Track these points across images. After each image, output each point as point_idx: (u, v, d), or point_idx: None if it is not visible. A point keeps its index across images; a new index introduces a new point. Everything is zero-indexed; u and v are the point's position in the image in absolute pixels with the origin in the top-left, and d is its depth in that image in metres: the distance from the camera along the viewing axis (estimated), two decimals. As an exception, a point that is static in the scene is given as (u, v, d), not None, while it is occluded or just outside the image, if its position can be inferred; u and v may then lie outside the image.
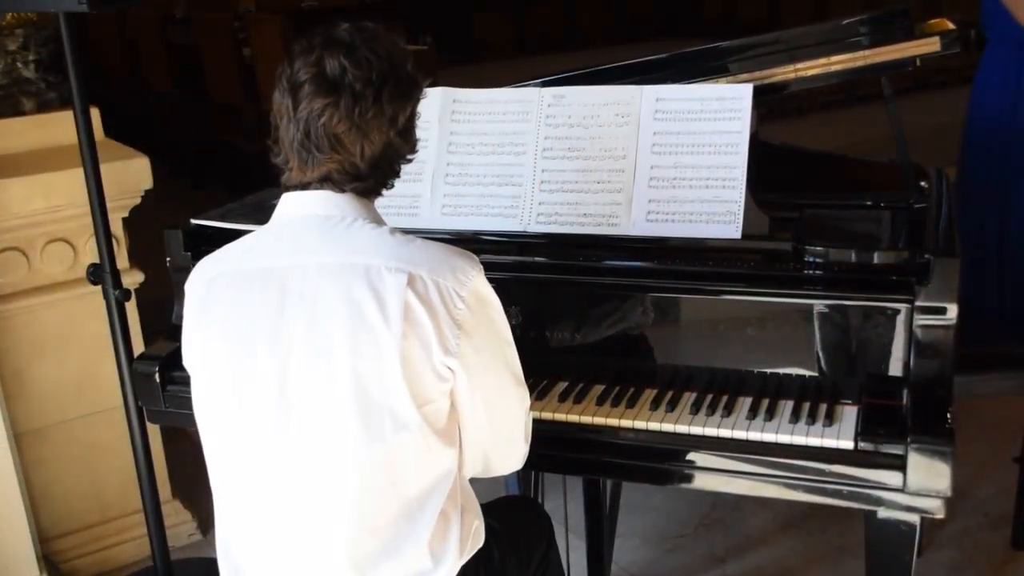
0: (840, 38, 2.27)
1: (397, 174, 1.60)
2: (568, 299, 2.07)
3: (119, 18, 8.18)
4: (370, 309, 1.41)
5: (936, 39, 2.11)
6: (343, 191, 1.51)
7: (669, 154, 2.06)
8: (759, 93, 2.16)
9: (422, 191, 2.22)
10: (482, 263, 1.55)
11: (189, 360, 1.57)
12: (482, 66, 10.87)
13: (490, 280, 1.54)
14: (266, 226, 1.57)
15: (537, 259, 2.10)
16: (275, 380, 1.46)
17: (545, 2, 12.96)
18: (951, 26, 2.19)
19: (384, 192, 1.60)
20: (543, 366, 2.05)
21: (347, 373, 1.42)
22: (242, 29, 7.03)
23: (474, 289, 1.48)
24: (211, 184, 7.27)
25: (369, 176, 1.53)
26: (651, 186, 2.06)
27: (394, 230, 1.52)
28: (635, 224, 2.05)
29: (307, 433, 1.46)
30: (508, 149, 2.19)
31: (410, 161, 1.62)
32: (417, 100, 1.59)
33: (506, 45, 12.29)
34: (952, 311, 1.77)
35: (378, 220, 1.55)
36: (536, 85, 2.39)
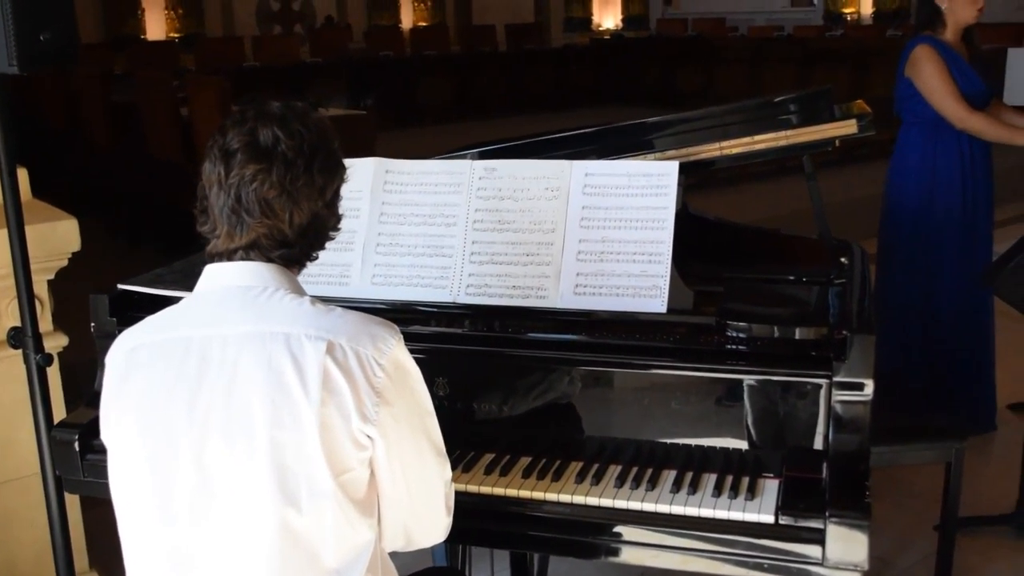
0: (764, 117, 2.34)
1: (322, 246, 1.62)
2: (496, 371, 2.08)
3: (62, 74, 8.13)
4: (289, 377, 1.42)
5: (853, 122, 2.19)
6: (269, 259, 1.52)
7: (597, 228, 2.09)
8: (688, 168, 2.21)
9: (353, 260, 2.23)
10: (411, 334, 1.56)
11: (106, 434, 1.54)
12: (424, 129, 10.95)
13: (418, 351, 1.55)
14: (188, 297, 1.57)
15: (466, 330, 2.11)
16: (192, 452, 1.44)
17: (489, 68, 13.13)
18: (868, 109, 2.27)
19: (308, 264, 1.61)
20: (470, 438, 2.05)
21: (265, 442, 1.42)
22: (181, 88, 7.04)
23: (394, 358, 1.49)
24: (149, 242, 7.19)
25: (295, 244, 1.54)
26: (579, 259, 2.09)
27: (314, 300, 1.53)
28: (563, 297, 2.07)
29: (224, 505, 1.45)
30: (439, 220, 2.21)
31: (333, 238, 1.63)
32: (342, 178, 1.62)
33: (449, 109, 12.41)
34: (869, 387, 1.81)
35: (299, 291, 1.56)
36: (473, 153, 2.43)
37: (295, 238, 1.53)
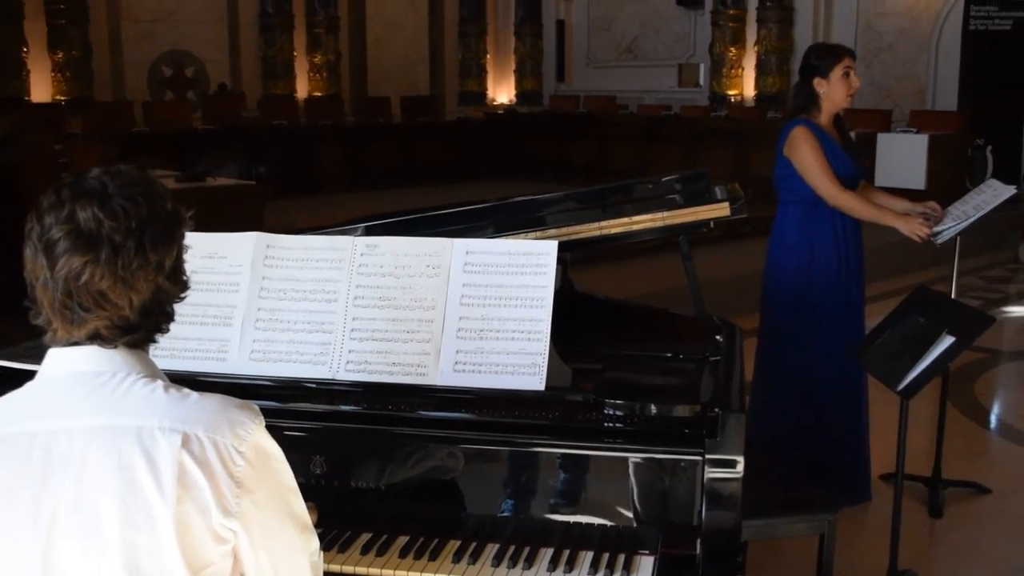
0: (643, 198, 2.42)
1: (171, 317, 1.50)
2: (374, 448, 2.06)
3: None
4: (142, 475, 1.34)
5: (726, 204, 2.27)
6: (114, 346, 1.42)
7: (477, 306, 2.11)
8: (571, 246, 2.26)
9: (231, 335, 2.19)
10: (288, 411, 1.51)
11: None
12: (318, 199, 10.89)
13: (296, 429, 1.51)
14: (31, 384, 1.45)
15: (344, 408, 2.09)
16: (40, 556, 1.35)
17: (384, 139, 13.19)
18: (741, 193, 2.36)
19: (158, 338, 1.50)
20: (346, 517, 2.02)
21: (117, 545, 1.33)
22: (65, 152, 6.88)
23: (254, 443, 1.43)
24: (24, 311, 6.92)
25: (141, 326, 1.44)
26: (459, 337, 2.10)
27: (168, 385, 1.43)
28: (442, 374, 2.08)
29: None
30: (320, 296, 2.20)
31: (183, 299, 1.52)
32: (182, 237, 1.50)
33: (343, 179, 12.39)
34: (740, 464, 1.86)
35: (153, 373, 1.46)
36: (359, 227, 2.43)
37: (138, 320, 1.42)
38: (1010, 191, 3.88)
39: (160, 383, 1.43)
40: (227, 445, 1.39)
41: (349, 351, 2.14)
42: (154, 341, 1.49)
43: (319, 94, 15.10)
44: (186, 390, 1.43)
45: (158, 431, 1.36)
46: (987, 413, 5.30)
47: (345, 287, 2.19)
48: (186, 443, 1.36)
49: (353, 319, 2.16)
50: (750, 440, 3.78)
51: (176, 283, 1.48)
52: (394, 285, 2.17)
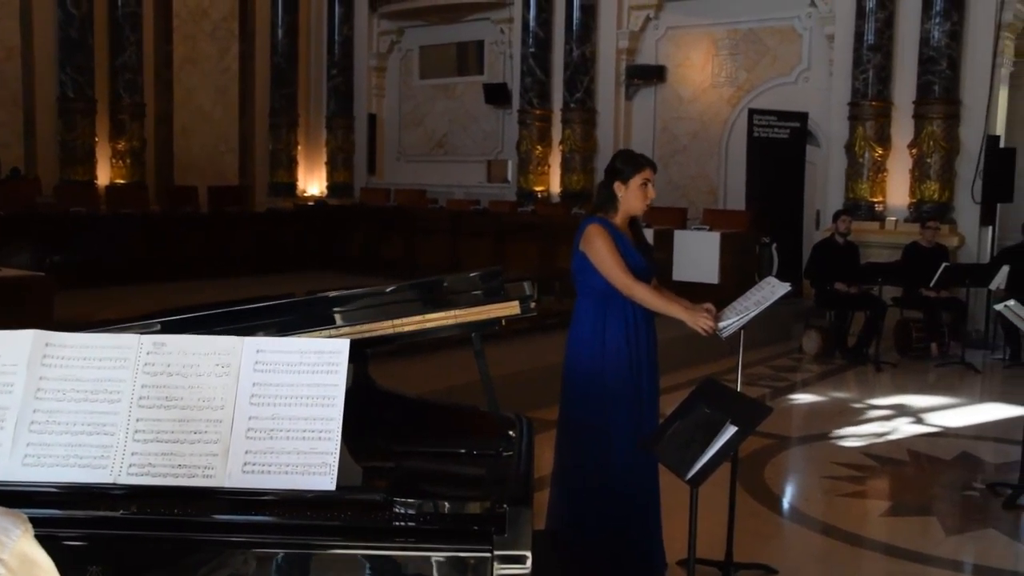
0: (438, 295, 2.46)
1: None
2: (156, 555, 1.98)
3: None
4: None
5: (516, 303, 2.35)
6: None
7: (267, 405, 2.09)
8: (367, 343, 2.27)
9: (3, 439, 2.08)
10: (64, 519, 1.44)
11: None
12: (118, 290, 10.46)
13: (73, 537, 1.43)
14: None
15: (124, 513, 2.00)
16: None
17: (190, 229, 12.87)
18: (530, 291, 2.45)
19: None
20: (125, 630, 1.92)
21: None
22: None
23: (19, 551, 1.36)
24: None
25: None
26: (248, 437, 2.06)
27: None
28: (231, 476, 2.03)
29: None
30: (103, 396, 2.12)
31: None
32: None
33: (147, 270, 11.95)
34: (528, 560, 1.89)
35: None
36: (156, 321, 2.37)
37: None
38: (786, 287, 4.17)
39: None
40: None
41: (132, 453, 2.06)
42: None
43: (122, 181, 14.61)
44: None
45: None
46: (776, 496, 5.58)
47: (130, 387, 2.12)
48: None
49: (137, 420, 2.09)
50: (550, 529, 3.84)
51: None
52: (182, 384, 2.12)
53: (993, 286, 9.34)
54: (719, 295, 6.48)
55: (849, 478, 5.86)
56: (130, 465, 2.06)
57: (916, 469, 6.15)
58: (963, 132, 10.86)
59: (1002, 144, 11.00)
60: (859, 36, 11.21)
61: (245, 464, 2.04)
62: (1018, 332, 5.87)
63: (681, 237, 10.64)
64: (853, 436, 6.84)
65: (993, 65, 10.68)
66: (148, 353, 2.16)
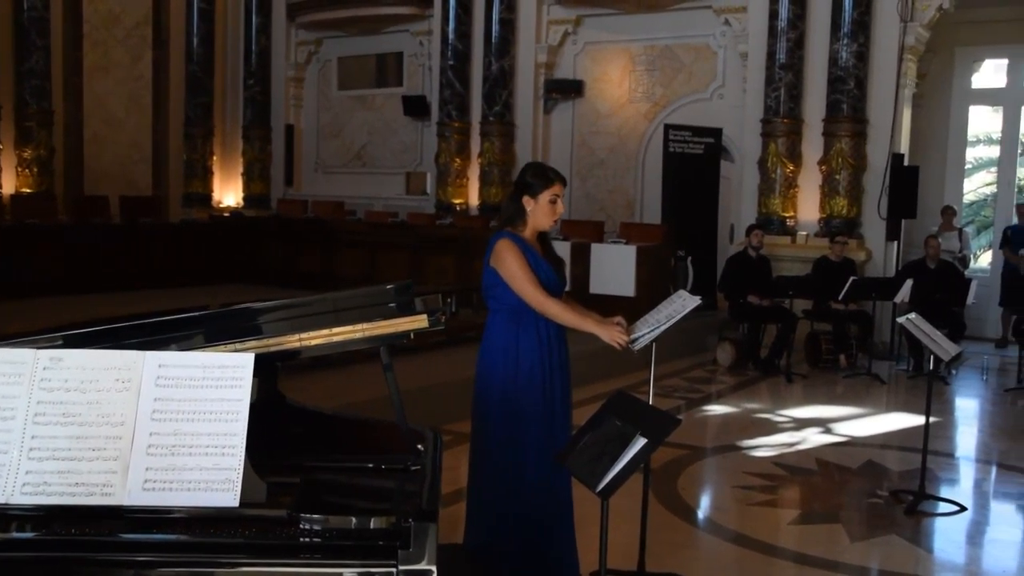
0: (349, 308, 2.44)
1: None
2: (53, 577, 1.93)
3: None
4: None
5: (424, 317, 2.34)
6: None
7: (169, 421, 2.05)
8: (274, 358, 2.24)
9: None
10: None
11: None
12: (23, 304, 10.15)
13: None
14: None
15: (17, 535, 1.94)
16: None
17: (101, 240, 12.56)
18: (440, 304, 2.44)
19: None
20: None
21: None
22: None
23: None
24: None
25: None
26: (149, 453, 2.02)
27: None
28: (131, 494, 1.99)
29: None
30: (-5, 413, 2.06)
31: None
32: None
33: (55, 283, 11.61)
34: (433, 574, 1.88)
35: None
36: (58, 335, 2.31)
37: None
38: (696, 301, 4.23)
39: None
40: None
41: (26, 472, 2.01)
42: None
43: (28, 191, 14.21)
44: None
45: None
46: (689, 507, 5.65)
47: (24, 403, 2.06)
48: None
49: (32, 437, 2.03)
50: (468, 542, 3.83)
51: None
52: (80, 400, 2.07)
53: (898, 299, 9.64)
54: (635, 308, 6.54)
55: (760, 487, 5.97)
56: (24, 484, 2.00)
57: (824, 478, 6.29)
58: (870, 150, 11.18)
59: (906, 162, 11.36)
60: (771, 55, 11.47)
61: (146, 481, 2.00)
62: (921, 344, 6.05)
63: (598, 250, 10.74)
64: (765, 446, 6.98)
65: (897, 86, 11.03)
66: (44, 368, 2.10)
